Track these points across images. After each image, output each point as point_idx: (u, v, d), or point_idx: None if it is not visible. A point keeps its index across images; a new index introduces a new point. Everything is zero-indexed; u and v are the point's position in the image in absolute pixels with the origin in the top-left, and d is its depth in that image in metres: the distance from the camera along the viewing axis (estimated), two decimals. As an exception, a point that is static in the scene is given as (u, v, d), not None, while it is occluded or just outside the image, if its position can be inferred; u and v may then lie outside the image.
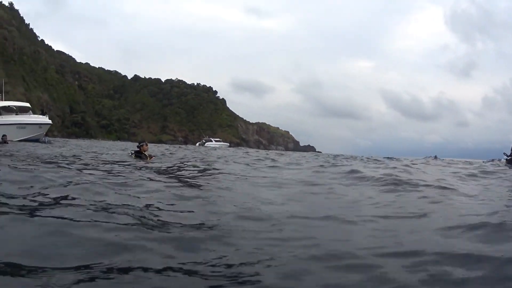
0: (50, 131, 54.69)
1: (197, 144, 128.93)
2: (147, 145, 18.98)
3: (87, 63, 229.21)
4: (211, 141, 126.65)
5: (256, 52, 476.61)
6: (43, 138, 40.32)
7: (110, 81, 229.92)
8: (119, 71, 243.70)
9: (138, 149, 18.59)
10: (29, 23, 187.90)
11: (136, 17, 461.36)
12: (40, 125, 41.32)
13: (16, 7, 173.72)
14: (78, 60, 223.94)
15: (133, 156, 18.93)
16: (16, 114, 43.22)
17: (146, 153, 18.50)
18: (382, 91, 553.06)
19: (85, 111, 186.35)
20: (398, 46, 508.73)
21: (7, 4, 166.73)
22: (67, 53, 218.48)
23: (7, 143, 29.75)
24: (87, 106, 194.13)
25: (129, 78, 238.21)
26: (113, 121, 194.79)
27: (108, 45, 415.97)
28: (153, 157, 19.49)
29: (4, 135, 32.10)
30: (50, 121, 43.75)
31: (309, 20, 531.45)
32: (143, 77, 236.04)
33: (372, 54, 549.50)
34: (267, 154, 44.02)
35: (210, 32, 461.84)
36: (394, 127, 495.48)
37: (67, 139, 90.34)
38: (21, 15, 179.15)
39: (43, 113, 46.11)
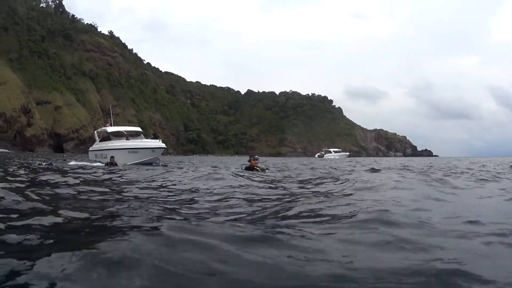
0: (166, 149, 51.10)
1: (316, 155, 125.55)
2: (255, 159, 18.19)
3: (197, 82, 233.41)
4: (330, 152, 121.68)
5: (366, 57, 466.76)
6: (157, 161, 38.89)
7: (223, 97, 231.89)
8: (231, 87, 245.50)
9: (249, 164, 18.06)
10: (132, 48, 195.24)
11: (239, 33, 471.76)
12: (153, 149, 39.40)
13: (116, 34, 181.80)
14: (188, 80, 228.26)
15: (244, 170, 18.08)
16: (127, 139, 41.78)
17: (258, 167, 17.86)
18: (490, 88, 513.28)
19: (200, 128, 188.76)
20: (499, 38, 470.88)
21: (106, 33, 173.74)
22: (175, 73, 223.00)
23: (117, 165, 29.05)
24: (201, 123, 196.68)
25: (242, 93, 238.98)
26: (229, 136, 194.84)
27: (216, 63, 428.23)
28: (267, 170, 19.09)
29: (112, 156, 31.52)
30: (163, 145, 41.19)
31: (412, 20, 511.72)
32: (257, 91, 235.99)
33: (475, 49, 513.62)
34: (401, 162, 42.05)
35: (317, 41, 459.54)
36: (506, 126, 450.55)
37: (183, 156, 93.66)
38: (123, 42, 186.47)
39: (155, 137, 43.61)
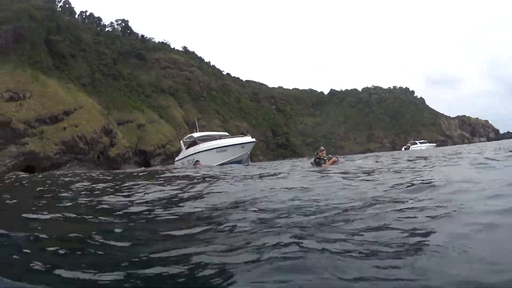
0: (255, 155, 44.29)
1: (403, 148, 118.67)
2: (321, 151, 18.81)
3: (280, 87, 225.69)
4: (416, 143, 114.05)
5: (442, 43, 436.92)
6: (247, 159, 36.10)
7: (308, 99, 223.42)
8: (314, 89, 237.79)
9: (317, 156, 18.59)
10: (209, 61, 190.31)
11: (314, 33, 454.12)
12: (242, 144, 36.45)
13: (190, 49, 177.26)
14: (270, 86, 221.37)
15: (313, 164, 18.70)
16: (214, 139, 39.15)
17: (324, 157, 18.30)
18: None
19: (288, 132, 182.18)
20: None
21: (180, 49, 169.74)
22: (257, 81, 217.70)
23: (199, 167, 27.14)
24: (289, 127, 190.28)
25: (325, 93, 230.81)
26: (318, 137, 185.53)
27: (296, 65, 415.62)
28: (336, 161, 18.91)
29: (197, 161, 31.39)
30: (253, 140, 38.04)
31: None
32: (339, 89, 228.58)
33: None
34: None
35: (392, 31, 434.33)
36: None
37: (274, 162, 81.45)
38: (199, 56, 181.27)
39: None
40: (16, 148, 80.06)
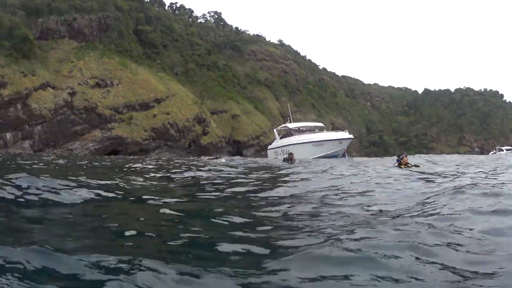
0: (348, 151, 43.42)
1: (490, 153, 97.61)
2: (406, 156, 16.44)
3: (375, 84, 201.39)
4: (502, 150, 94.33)
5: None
6: (344, 154, 32.55)
7: (402, 97, 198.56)
8: (408, 87, 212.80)
9: (399, 161, 16.27)
10: (305, 55, 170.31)
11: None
12: (340, 140, 32.84)
13: (286, 43, 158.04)
14: (366, 82, 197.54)
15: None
16: (311, 132, 35.30)
17: (409, 164, 15.99)
18: None
19: (382, 130, 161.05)
20: None
21: (276, 42, 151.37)
22: (353, 76, 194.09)
23: (294, 161, 23.32)
24: (383, 125, 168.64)
25: (419, 92, 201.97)
26: (410, 137, 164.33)
27: (389, 62, 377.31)
28: (417, 167, 16.21)
29: (291, 153, 24.42)
30: (351, 136, 34.81)
31: None
32: (433, 89, 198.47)
33: None
34: None
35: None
36: None
37: (367, 158, 69.96)
38: (295, 49, 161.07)
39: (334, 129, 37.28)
40: (101, 133, 71.24)
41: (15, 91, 61.80)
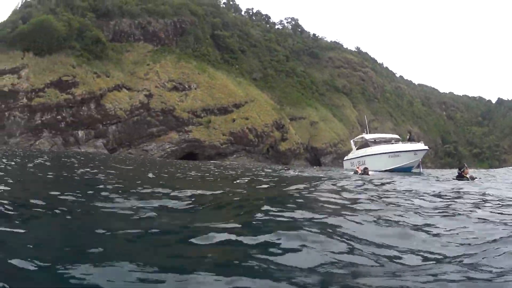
0: (424, 162, 35.88)
1: None
2: (467, 168, 15.64)
3: (451, 92, 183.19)
4: None
5: None
6: (419, 166, 29.29)
7: (476, 107, 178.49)
8: (482, 96, 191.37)
9: (460, 173, 15.54)
10: (382, 63, 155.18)
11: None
12: (415, 151, 28.78)
13: (363, 50, 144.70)
14: (441, 91, 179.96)
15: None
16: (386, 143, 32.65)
17: (468, 176, 15.26)
18: None
19: (457, 140, 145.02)
20: None
21: (354, 49, 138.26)
22: (429, 85, 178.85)
23: (368, 175, 20.97)
24: (457, 136, 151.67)
25: (493, 102, 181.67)
26: (484, 148, 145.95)
27: (463, 71, 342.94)
28: (475, 179, 15.52)
29: (366, 168, 22.53)
30: (426, 147, 30.01)
31: None
32: (507, 99, 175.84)
33: None
34: None
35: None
36: None
37: (440, 170, 65.78)
38: (372, 57, 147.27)
39: (411, 138, 33.01)
40: (178, 135, 64.09)
41: (88, 90, 55.67)
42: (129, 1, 76.07)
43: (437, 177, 26.00)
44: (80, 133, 53.12)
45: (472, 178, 15.13)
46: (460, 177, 15.13)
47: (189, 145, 64.26)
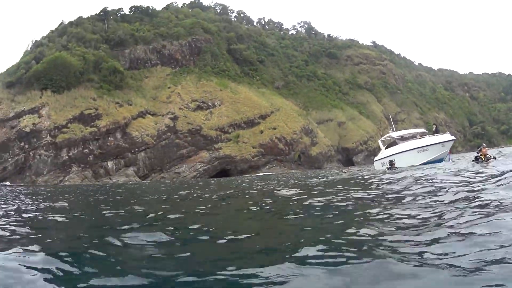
0: (454, 147, 36.99)
1: None
2: (484, 148, 14.72)
3: (470, 73, 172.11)
4: None
5: None
6: (448, 157, 27.62)
7: (497, 83, 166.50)
8: (501, 72, 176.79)
9: (477, 156, 14.62)
10: (399, 53, 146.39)
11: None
12: (442, 143, 27.20)
13: (378, 43, 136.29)
14: (461, 72, 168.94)
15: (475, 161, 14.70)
16: (414, 138, 30.08)
17: (483, 157, 14.32)
18: None
19: (484, 120, 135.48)
20: None
21: (370, 44, 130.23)
22: (448, 68, 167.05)
23: (396, 168, 22.01)
24: (484, 115, 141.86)
25: None
26: (511, 124, 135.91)
27: (480, 48, 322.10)
28: (491, 160, 14.45)
29: (391, 161, 24.27)
30: (453, 137, 28.71)
31: None
32: None
33: None
34: None
35: None
36: None
37: (469, 153, 61.16)
38: (389, 49, 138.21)
39: (436, 130, 30.91)
40: (208, 154, 59.99)
41: (112, 121, 52.59)
42: (140, 28, 73.29)
43: (453, 161, 25.92)
44: (110, 164, 50.10)
45: (488, 159, 14.34)
46: (477, 159, 14.55)
47: (220, 162, 60.47)
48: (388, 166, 24.15)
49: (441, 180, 9.29)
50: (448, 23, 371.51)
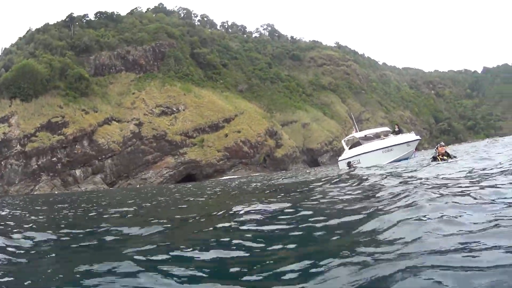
0: (420, 144, 42.10)
1: None
2: (442, 146, 15.30)
3: (436, 70, 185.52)
4: None
5: None
6: (413, 155, 30.37)
7: (463, 80, 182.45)
8: (467, 68, 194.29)
9: (436, 153, 15.32)
10: (363, 53, 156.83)
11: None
12: (408, 143, 29.63)
13: (342, 44, 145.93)
14: (426, 71, 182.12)
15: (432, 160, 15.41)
16: (378, 139, 32.39)
17: (440, 157, 14.88)
18: None
19: (449, 117, 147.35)
20: None
21: (333, 45, 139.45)
22: (413, 67, 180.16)
23: (353, 167, 23.36)
24: (449, 112, 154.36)
25: (479, 72, 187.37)
26: (477, 120, 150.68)
27: (446, 46, 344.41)
28: (450, 159, 14.83)
29: (349, 162, 26.78)
30: (418, 137, 31.22)
31: None
32: (492, 66, 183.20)
33: None
34: None
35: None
36: None
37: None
38: (352, 49, 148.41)
39: (399, 131, 32.79)
40: (174, 159, 65.32)
41: (79, 128, 56.98)
42: (105, 34, 77.44)
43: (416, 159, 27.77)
44: (78, 172, 54.02)
45: (444, 160, 14.63)
46: (435, 159, 14.90)
47: (186, 167, 65.06)
48: (347, 167, 25.63)
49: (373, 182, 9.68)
50: (413, 22, 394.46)
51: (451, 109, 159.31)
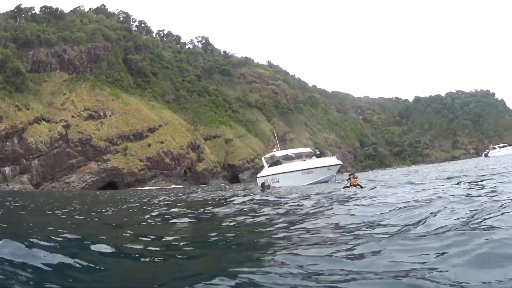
0: (344, 167, 46.50)
1: (483, 155, 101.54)
2: (355, 178, 16.42)
3: (366, 96, 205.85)
4: (495, 148, 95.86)
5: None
6: (333, 179, 33.83)
7: (393, 107, 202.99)
8: (398, 97, 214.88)
9: (348, 182, 16.58)
10: (294, 74, 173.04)
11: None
12: (329, 167, 33.67)
13: (274, 63, 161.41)
14: (356, 96, 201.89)
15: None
16: (299, 159, 36.90)
17: (352, 187, 16.04)
18: None
19: (376, 142, 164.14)
20: None
21: (265, 63, 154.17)
22: (342, 91, 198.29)
23: (268, 188, 24.37)
24: (376, 137, 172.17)
25: (410, 101, 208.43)
26: (405, 146, 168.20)
27: (378, 74, 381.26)
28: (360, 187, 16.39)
29: (263, 183, 26.47)
30: (340, 162, 35.63)
31: None
32: (424, 96, 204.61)
33: None
34: None
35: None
36: None
37: (361, 173, 75.29)
38: (284, 69, 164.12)
39: (321, 154, 37.85)
40: (97, 165, 71.74)
41: (11, 125, 62.09)
42: (46, 30, 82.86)
43: (338, 182, 30.98)
44: (7, 170, 59.40)
45: (362, 187, 16.22)
46: (345, 187, 16.06)
47: (108, 174, 71.45)
48: (261, 188, 24.42)
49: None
50: (347, 48, 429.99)
51: (378, 134, 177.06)
